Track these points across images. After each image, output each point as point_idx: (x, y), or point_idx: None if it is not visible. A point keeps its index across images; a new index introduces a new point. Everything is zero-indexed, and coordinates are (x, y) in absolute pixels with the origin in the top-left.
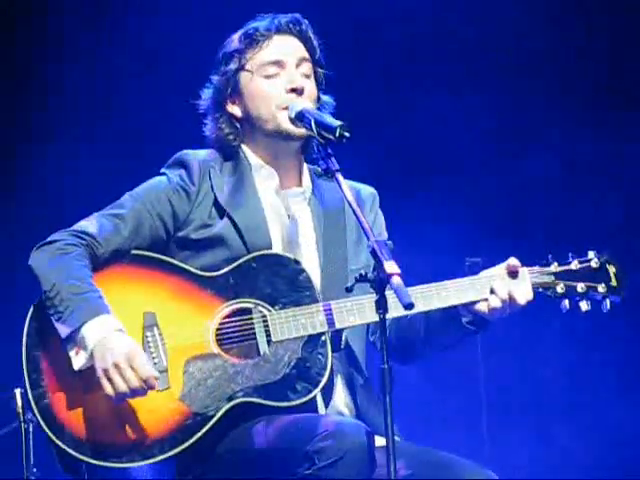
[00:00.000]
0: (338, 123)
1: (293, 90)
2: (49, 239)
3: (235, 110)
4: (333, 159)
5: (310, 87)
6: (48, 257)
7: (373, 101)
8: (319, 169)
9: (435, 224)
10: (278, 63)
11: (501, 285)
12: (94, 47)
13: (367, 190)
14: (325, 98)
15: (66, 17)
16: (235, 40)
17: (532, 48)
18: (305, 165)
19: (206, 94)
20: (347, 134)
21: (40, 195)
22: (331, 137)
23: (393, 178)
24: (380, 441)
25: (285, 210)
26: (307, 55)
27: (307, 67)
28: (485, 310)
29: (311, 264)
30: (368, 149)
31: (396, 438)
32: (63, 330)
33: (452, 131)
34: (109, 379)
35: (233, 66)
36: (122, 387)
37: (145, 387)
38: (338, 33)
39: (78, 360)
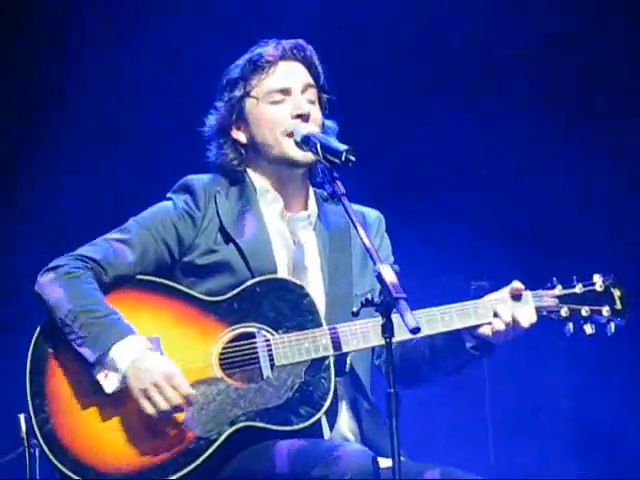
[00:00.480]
0: (344, 147)
1: (299, 116)
2: (53, 264)
3: (240, 136)
4: (339, 183)
5: (315, 112)
6: (58, 282)
7: (375, 118)
8: (325, 193)
9: (441, 245)
10: (284, 90)
11: (504, 309)
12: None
13: (373, 214)
14: (328, 123)
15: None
16: (239, 67)
17: (543, 62)
18: (311, 189)
19: (210, 120)
20: (353, 158)
21: (42, 215)
22: (337, 161)
23: (397, 198)
24: (385, 462)
25: (290, 235)
26: (312, 81)
27: (312, 93)
28: (489, 334)
29: (316, 289)
30: (371, 168)
31: (402, 458)
32: (89, 354)
33: (457, 149)
34: (149, 398)
35: (238, 92)
36: (164, 405)
37: (186, 404)
38: (338, 50)
39: (109, 383)
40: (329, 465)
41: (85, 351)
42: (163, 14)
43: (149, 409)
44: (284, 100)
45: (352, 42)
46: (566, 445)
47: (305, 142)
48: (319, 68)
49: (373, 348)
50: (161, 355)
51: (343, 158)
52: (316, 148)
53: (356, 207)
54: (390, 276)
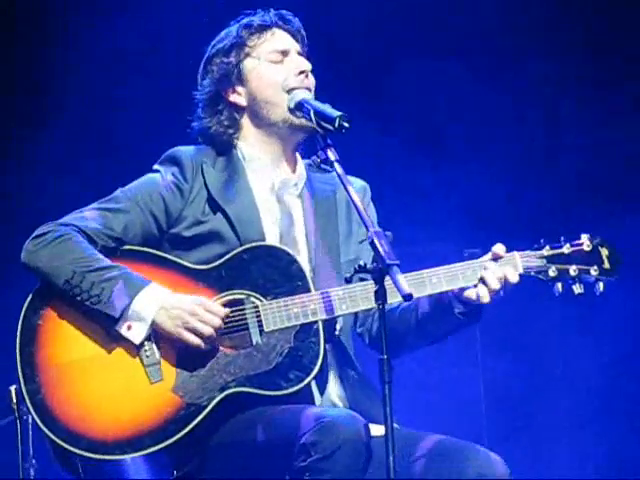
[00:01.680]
0: (337, 113)
1: (302, 72)
2: (39, 232)
3: (238, 99)
4: (332, 149)
5: (311, 76)
6: (51, 247)
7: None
8: (318, 159)
9: (435, 213)
10: (284, 52)
11: (489, 274)
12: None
13: (358, 183)
14: None
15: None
16: (232, 33)
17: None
18: (298, 157)
19: (203, 87)
20: (347, 124)
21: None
22: (330, 127)
23: (394, 163)
24: (378, 430)
25: (277, 203)
26: (301, 51)
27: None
28: (474, 297)
29: (302, 257)
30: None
31: (395, 426)
32: (110, 310)
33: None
34: (191, 329)
35: (236, 55)
36: (207, 330)
37: (223, 325)
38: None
39: (136, 334)
40: (320, 432)
41: (104, 308)
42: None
43: (194, 340)
44: (283, 60)
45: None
46: (562, 419)
47: (299, 108)
48: (305, 40)
49: (355, 317)
50: (182, 295)
51: (337, 124)
52: (309, 114)
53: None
54: (383, 242)
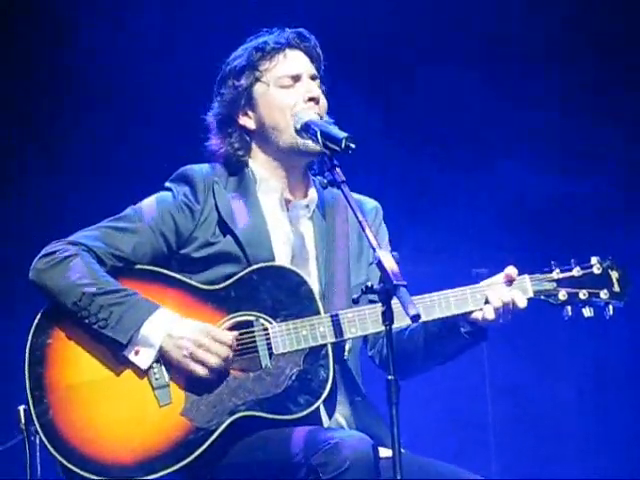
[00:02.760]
0: (344, 135)
1: (311, 99)
2: (47, 250)
3: (247, 122)
4: (339, 170)
5: (323, 100)
6: (60, 267)
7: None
8: (324, 181)
9: (443, 232)
10: (295, 77)
11: (493, 294)
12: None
13: (370, 203)
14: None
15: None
16: (245, 54)
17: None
18: (311, 178)
19: (214, 110)
20: (353, 145)
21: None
22: (337, 148)
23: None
24: (384, 453)
25: (289, 225)
26: (316, 72)
27: (318, 82)
28: (480, 319)
29: (313, 279)
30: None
31: (402, 450)
32: (118, 335)
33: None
34: (198, 360)
35: (246, 79)
36: (215, 361)
37: (232, 353)
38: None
39: (143, 359)
40: (328, 453)
41: (111, 333)
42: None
43: (200, 370)
44: (294, 85)
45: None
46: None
47: (305, 130)
48: (321, 59)
49: (366, 339)
50: (191, 320)
51: (343, 145)
52: (316, 136)
53: (354, 196)
54: (390, 263)
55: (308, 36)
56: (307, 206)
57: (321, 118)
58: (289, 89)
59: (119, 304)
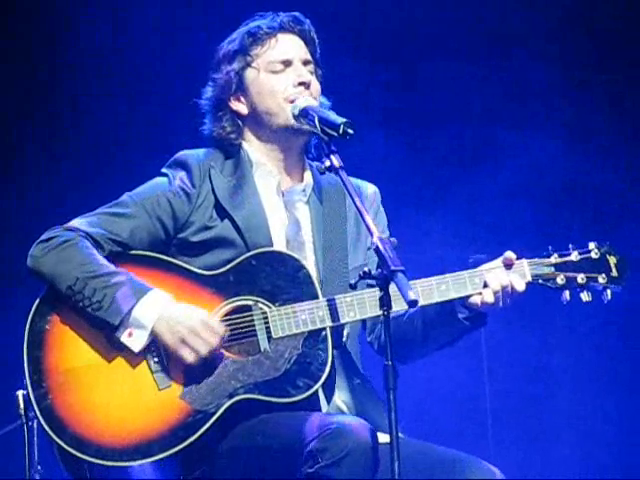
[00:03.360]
0: (342, 120)
1: (301, 84)
2: (44, 237)
3: (239, 107)
4: (336, 156)
5: (315, 84)
6: (56, 252)
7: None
8: (322, 166)
9: (441, 218)
10: (285, 62)
11: (493, 278)
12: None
13: (369, 188)
14: (321, 99)
15: None
16: (238, 39)
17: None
18: (307, 162)
19: (207, 93)
20: (351, 131)
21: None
22: (334, 134)
23: (402, 172)
24: (383, 438)
25: (285, 209)
26: (309, 56)
27: (310, 67)
28: (479, 303)
29: (310, 264)
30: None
31: (400, 435)
32: (111, 317)
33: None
34: (188, 345)
35: (238, 64)
36: (204, 349)
37: (222, 343)
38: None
39: (136, 341)
40: (327, 438)
41: (105, 315)
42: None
43: (189, 356)
44: (285, 70)
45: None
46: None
47: (303, 115)
48: (316, 42)
49: (364, 324)
50: (184, 304)
51: (341, 131)
52: (314, 121)
53: (352, 180)
54: (388, 248)
55: (302, 19)
56: (303, 190)
57: (314, 100)
58: (280, 74)
59: (112, 286)
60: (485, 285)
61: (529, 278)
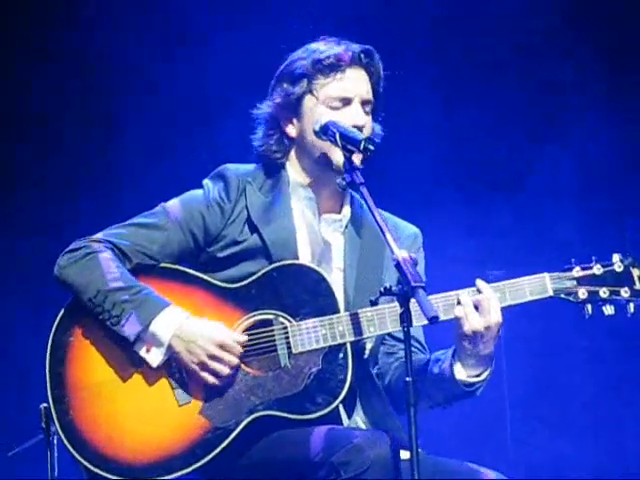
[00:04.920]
0: (362, 136)
1: (355, 127)
2: (72, 247)
3: (290, 129)
4: (358, 172)
5: (369, 125)
6: (80, 264)
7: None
8: (343, 182)
9: (460, 235)
10: (345, 100)
11: (467, 296)
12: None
13: (410, 229)
14: (375, 128)
15: None
16: (305, 63)
17: None
18: (348, 195)
19: (264, 107)
20: (371, 147)
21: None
22: (355, 150)
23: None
24: (403, 455)
25: (318, 233)
26: (371, 95)
27: (369, 107)
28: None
29: (336, 290)
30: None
31: (419, 450)
32: (128, 332)
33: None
34: (209, 370)
35: (300, 89)
36: (226, 371)
37: (240, 360)
38: None
39: (154, 357)
40: (350, 452)
41: (122, 330)
42: None
43: (210, 379)
44: (342, 108)
45: None
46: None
47: (324, 131)
48: (381, 77)
49: (376, 357)
50: (200, 320)
51: (361, 147)
52: (335, 137)
53: (394, 219)
54: (409, 265)
55: (373, 53)
56: (340, 221)
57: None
58: (336, 111)
59: (131, 301)
60: (458, 302)
61: (551, 292)
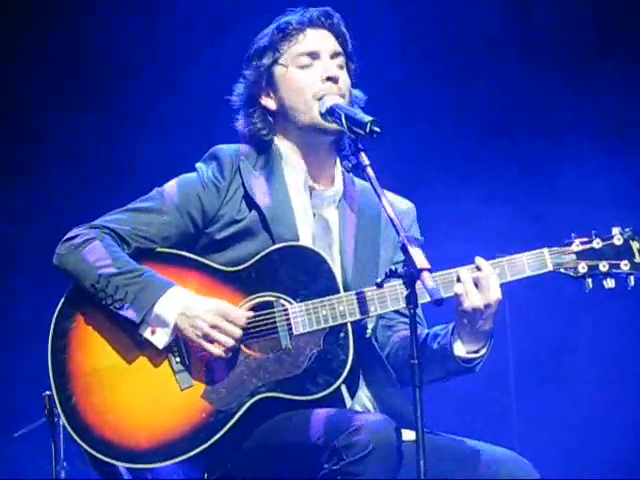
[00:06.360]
0: (369, 118)
1: (329, 79)
2: (71, 234)
3: (269, 103)
4: (363, 154)
5: (344, 78)
6: (80, 250)
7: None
8: (349, 164)
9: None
10: (313, 54)
11: (466, 273)
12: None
13: (404, 204)
14: (356, 92)
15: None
16: (267, 35)
17: None
18: (340, 169)
19: (239, 89)
20: (378, 129)
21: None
22: (362, 132)
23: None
24: (409, 435)
25: (312, 208)
26: (339, 48)
27: (340, 59)
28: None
29: (336, 263)
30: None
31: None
32: (133, 315)
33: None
34: (212, 341)
35: (267, 60)
36: (230, 342)
37: (243, 333)
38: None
39: (159, 338)
40: (352, 435)
41: (127, 313)
42: None
43: (215, 351)
44: (312, 64)
45: None
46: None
47: (330, 113)
48: (347, 36)
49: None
50: (205, 298)
51: (367, 129)
52: (341, 119)
53: (388, 194)
54: (414, 246)
55: (332, 13)
56: (332, 195)
57: (342, 96)
58: (307, 69)
59: (134, 284)
60: (458, 279)
61: (550, 267)
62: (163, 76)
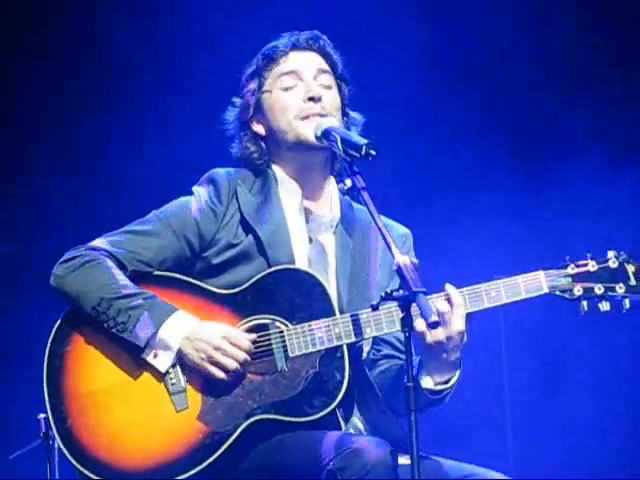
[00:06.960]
0: (364, 141)
1: (310, 99)
2: (67, 256)
3: (259, 129)
4: (359, 177)
5: (330, 97)
6: (79, 272)
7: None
8: (345, 187)
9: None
10: (293, 73)
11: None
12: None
13: (400, 229)
14: (353, 114)
15: None
16: (254, 62)
17: None
18: (337, 194)
19: (229, 116)
20: (373, 152)
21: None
22: (357, 155)
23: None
24: (403, 459)
25: (308, 232)
26: (326, 67)
27: (326, 78)
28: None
29: (331, 287)
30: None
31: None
32: (136, 338)
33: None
34: (216, 363)
35: (253, 86)
36: (232, 364)
37: (250, 357)
38: None
39: (162, 362)
40: (348, 457)
41: (130, 337)
42: None
43: (219, 374)
44: (296, 85)
45: None
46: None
47: (325, 136)
48: (335, 57)
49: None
50: (208, 322)
51: (363, 152)
52: (336, 142)
53: (385, 220)
54: (410, 270)
55: (319, 36)
56: (330, 220)
57: (322, 116)
58: (290, 90)
59: (137, 307)
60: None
61: (546, 290)
62: (163, 76)
